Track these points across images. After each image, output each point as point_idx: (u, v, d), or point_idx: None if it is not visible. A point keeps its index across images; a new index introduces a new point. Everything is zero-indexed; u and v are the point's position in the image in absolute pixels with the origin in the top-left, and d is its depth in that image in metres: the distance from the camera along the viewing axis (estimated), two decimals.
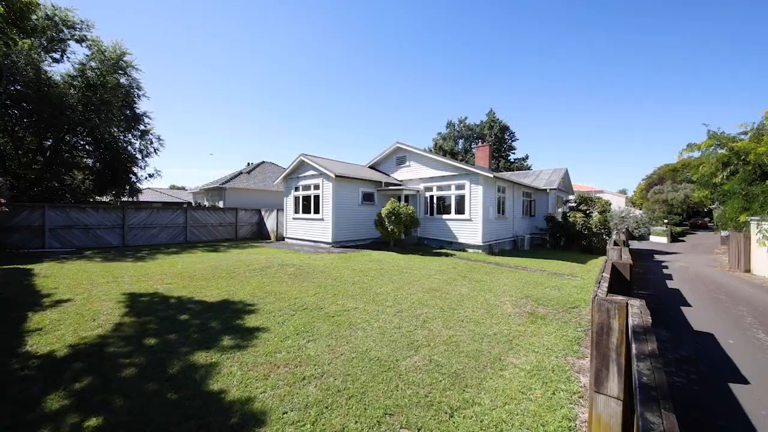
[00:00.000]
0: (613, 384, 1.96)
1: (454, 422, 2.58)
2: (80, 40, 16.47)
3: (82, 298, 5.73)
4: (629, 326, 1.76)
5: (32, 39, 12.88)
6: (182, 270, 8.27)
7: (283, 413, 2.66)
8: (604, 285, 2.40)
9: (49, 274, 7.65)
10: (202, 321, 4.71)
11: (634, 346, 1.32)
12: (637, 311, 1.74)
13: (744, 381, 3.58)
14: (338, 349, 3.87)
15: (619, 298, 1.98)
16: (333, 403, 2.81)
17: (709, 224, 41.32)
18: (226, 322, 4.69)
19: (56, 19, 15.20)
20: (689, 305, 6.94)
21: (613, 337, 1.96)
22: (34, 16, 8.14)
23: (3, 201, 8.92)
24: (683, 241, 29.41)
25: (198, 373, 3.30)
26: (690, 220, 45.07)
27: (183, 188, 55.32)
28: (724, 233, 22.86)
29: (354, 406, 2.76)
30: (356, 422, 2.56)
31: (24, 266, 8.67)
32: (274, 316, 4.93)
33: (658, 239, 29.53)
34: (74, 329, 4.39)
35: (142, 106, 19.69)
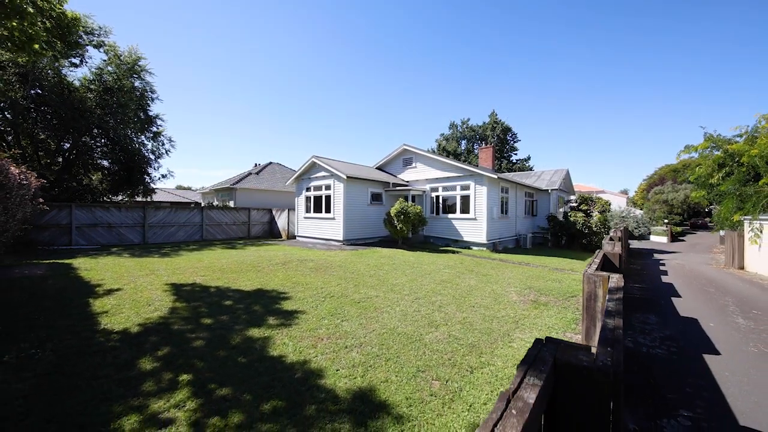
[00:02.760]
0: (598, 338, 2.59)
1: (474, 376, 3.22)
2: (98, 46, 17.12)
3: (130, 288, 6.39)
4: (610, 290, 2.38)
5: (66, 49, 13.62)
6: (210, 264, 8.92)
7: (336, 370, 3.30)
8: (594, 266, 3.02)
9: (89, 268, 8.32)
10: (246, 305, 5.36)
11: (608, 295, 1.94)
12: (615, 280, 2.36)
13: (716, 352, 4.20)
14: (369, 326, 4.52)
15: (603, 273, 2.61)
16: (374, 363, 3.45)
17: (709, 224, 41.70)
18: (267, 306, 5.34)
19: None
20: (679, 296, 7.54)
21: (599, 302, 2.59)
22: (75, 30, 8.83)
23: (41, 201, 9.57)
24: (683, 240, 29.89)
25: (256, 343, 3.94)
26: (690, 220, 45.49)
27: (189, 188, 56.13)
28: (722, 233, 23.36)
29: (392, 366, 3.40)
30: (396, 375, 3.20)
31: (61, 261, 9.35)
32: (307, 302, 5.58)
33: (659, 239, 30.01)
34: (136, 312, 5.04)
35: (154, 109, 20.37)
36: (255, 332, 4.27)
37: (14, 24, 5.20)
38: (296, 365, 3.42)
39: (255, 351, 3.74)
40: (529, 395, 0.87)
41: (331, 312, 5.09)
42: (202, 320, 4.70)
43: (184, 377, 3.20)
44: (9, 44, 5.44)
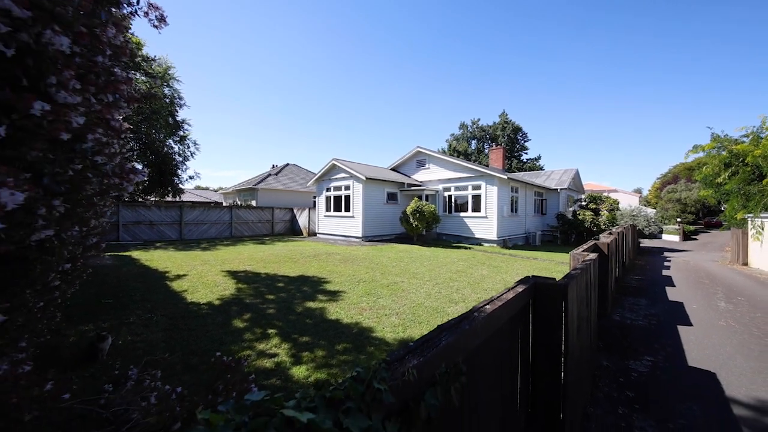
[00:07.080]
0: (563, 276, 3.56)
1: None
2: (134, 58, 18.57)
3: (194, 274, 7.59)
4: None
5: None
6: (250, 256, 10.12)
7: (382, 328, 4.36)
8: (581, 249, 3.99)
9: (148, 259, 9.60)
10: (296, 287, 6.48)
11: (581, 262, 2.92)
12: (591, 257, 3.33)
13: (689, 324, 5.09)
14: (401, 302, 5.56)
15: (586, 253, 3.58)
16: (410, 325, 4.50)
17: (723, 223, 41.32)
18: (313, 287, 6.45)
19: None
20: (674, 286, 8.34)
21: None
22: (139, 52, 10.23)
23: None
24: (696, 239, 29.96)
25: (315, 312, 5.04)
26: (704, 219, 45.01)
27: (207, 188, 58.30)
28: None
29: (424, 326, 4.44)
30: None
31: (121, 254, 10.68)
32: (345, 285, 6.66)
33: (670, 237, 30.13)
34: (210, 291, 6.21)
35: (180, 114, 21.85)
36: (311, 304, 5.37)
37: None
38: (351, 325, 4.49)
39: (316, 316, 4.84)
40: (520, 288, 1.90)
41: (367, 292, 6.16)
42: (266, 296, 5.83)
43: (271, 331, 4.31)
44: None
